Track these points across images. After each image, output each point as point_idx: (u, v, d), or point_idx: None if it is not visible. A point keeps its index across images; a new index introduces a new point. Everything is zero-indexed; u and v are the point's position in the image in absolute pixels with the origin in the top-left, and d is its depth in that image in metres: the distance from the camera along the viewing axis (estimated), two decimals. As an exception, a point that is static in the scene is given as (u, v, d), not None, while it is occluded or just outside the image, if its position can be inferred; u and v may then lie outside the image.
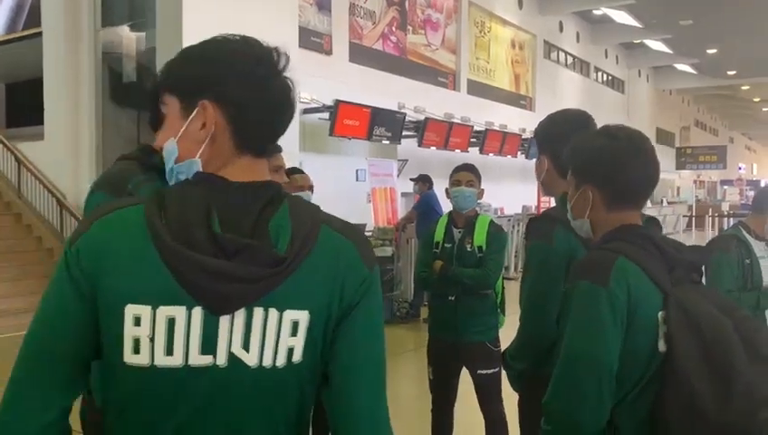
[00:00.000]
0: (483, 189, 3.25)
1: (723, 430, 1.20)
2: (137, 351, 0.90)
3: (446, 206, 8.90)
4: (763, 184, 33.06)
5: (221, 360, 0.91)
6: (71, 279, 0.92)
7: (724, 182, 32.70)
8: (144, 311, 0.89)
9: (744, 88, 29.00)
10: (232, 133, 0.98)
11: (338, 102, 9.28)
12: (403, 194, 10.70)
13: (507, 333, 3.31)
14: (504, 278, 3.32)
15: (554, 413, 1.31)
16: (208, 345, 0.90)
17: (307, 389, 0.97)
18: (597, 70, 22.10)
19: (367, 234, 8.54)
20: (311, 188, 3.35)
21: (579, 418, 1.26)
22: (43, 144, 9.46)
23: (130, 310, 0.89)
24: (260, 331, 0.91)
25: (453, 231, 3.23)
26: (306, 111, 9.45)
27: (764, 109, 35.02)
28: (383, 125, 10.15)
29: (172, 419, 0.92)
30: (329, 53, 10.77)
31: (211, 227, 0.90)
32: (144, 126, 10.04)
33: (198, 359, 0.90)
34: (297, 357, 0.93)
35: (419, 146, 11.36)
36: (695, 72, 25.76)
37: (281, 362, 0.92)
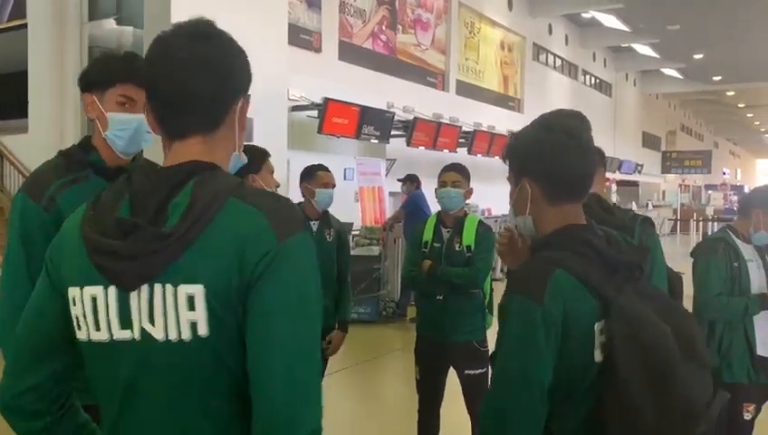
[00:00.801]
0: (471, 189, 3.24)
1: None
2: (79, 328, 1.02)
3: (435, 206, 8.89)
4: (746, 189, 33.48)
5: (137, 334, 0.98)
6: (47, 273, 1.07)
7: (708, 187, 33.02)
8: (76, 292, 1.01)
9: (729, 93, 29.32)
10: (157, 121, 1.06)
11: (327, 100, 9.24)
12: (391, 193, 10.69)
13: (495, 334, 3.31)
14: (492, 279, 3.31)
15: (489, 429, 1.26)
16: (125, 320, 0.98)
17: (230, 362, 0.96)
18: (585, 73, 22.23)
19: (354, 233, 8.51)
20: (333, 185, 3.36)
21: (511, 430, 1.23)
22: (27, 137, 9.33)
23: (70, 292, 1.02)
24: (161, 306, 0.96)
25: (442, 231, 3.22)
26: (295, 109, 9.40)
27: (749, 115, 35.44)
28: (372, 124, 10.12)
29: (118, 388, 1.01)
30: (318, 50, 10.73)
31: (116, 214, 0.99)
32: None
33: (120, 333, 0.99)
34: (203, 331, 0.95)
35: (408, 145, 11.35)
36: (681, 77, 26.00)
37: (186, 335, 0.95)
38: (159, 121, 1.05)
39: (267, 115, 8.12)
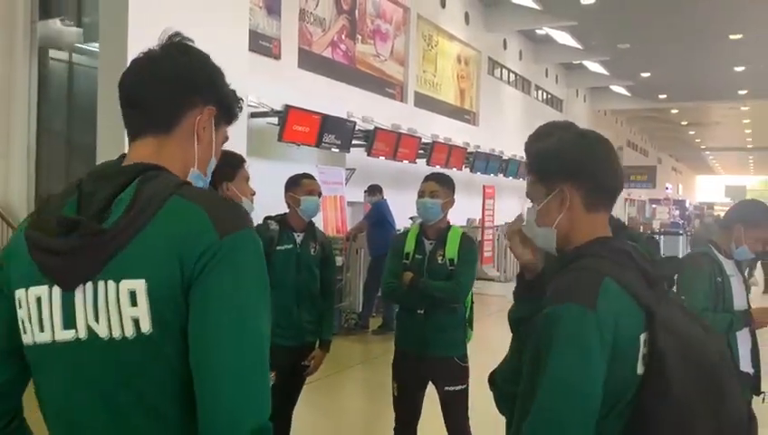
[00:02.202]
0: (452, 200, 3.17)
1: None
2: (24, 331, 1.01)
3: (398, 216, 8.79)
4: (687, 204, 34.69)
5: (81, 333, 0.97)
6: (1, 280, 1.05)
7: (652, 201, 34.07)
8: (22, 293, 1.00)
9: (673, 111, 30.40)
10: (125, 124, 1.11)
11: (288, 108, 9.08)
12: (350, 203, 10.58)
13: (475, 350, 3.25)
14: (473, 293, 3.25)
15: None
16: (69, 320, 0.97)
17: (174, 361, 0.95)
18: (538, 88, 22.66)
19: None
20: (319, 193, 3.28)
21: None
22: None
23: (16, 294, 1.01)
24: (104, 302, 0.95)
25: (424, 242, 3.14)
26: (254, 115, 9.20)
27: (691, 132, 36.84)
28: (333, 133, 10.01)
29: (57, 394, 0.99)
30: (278, 57, 10.56)
31: (60, 211, 0.99)
32: (79, 125, 9.56)
33: (62, 334, 0.97)
34: (146, 328, 0.94)
35: (369, 155, 11.28)
36: (629, 95, 26.81)
37: (129, 332, 0.94)
38: (125, 124, 1.09)
39: (227, 121, 7.91)
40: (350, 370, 6.41)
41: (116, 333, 0.95)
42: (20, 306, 1.00)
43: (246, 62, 8.87)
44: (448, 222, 3.21)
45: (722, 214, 18.63)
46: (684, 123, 33.72)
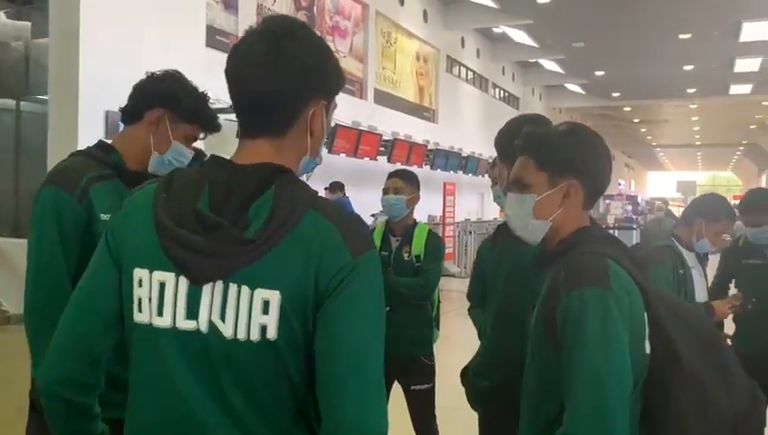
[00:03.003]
0: (417, 196, 3.15)
1: (735, 416, 1.20)
2: (140, 310, 1.02)
3: (360, 213, 8.85)
4: (639, 199, 35.61)
5: (203, 326, 0.99)
6: (108, 249, 1.07)
7: (606, 197, 34.87)
8: (144, 274, 1.02)
9: (626, 109, 31.17)
10: (236, 116, 1.08)
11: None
12: (310, 201, 10.48)
13: (438, 346, 3.23)
14: (439, 291, 3.23)
15: (592, 432, 1.15)
16: (192, 311, 1.00)
17: (292, 369, 0.99)
18: (495, 86, 22.90)
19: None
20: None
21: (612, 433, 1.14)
22: None
23: (136, 273, 1.02)
24: (234, 305, 0.98)
25: (390, 239, 3.11)
26: (212, 113, 9.02)
27: (642, 129, 37.85)
28: (292, 130, 9.90)
29: (167, 376, 1.00)
30: (234, 53, 10.39)
31: (196, 205, 1.00)
32: (24, 117, 9.21)
33: (184, 323, 1.00)
34: (272, 334, 0.97)
35: (329, 152, 11.19)
36: (583, 93, 27.36)
37: (255, 336, 0.97)
38: (237, 117, 1.08)
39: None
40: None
41: (241, 335, 0.98)
42: (140, 286, 1.02)
43: (203, 57, 8.69)
44: (414, 219, 3.19)
45: (673, 209, 19.18)
46: (636, 121, 34.62)
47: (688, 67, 21.64)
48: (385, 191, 3.13)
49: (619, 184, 39.91)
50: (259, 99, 1.04)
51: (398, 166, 13.36)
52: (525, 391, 1.32)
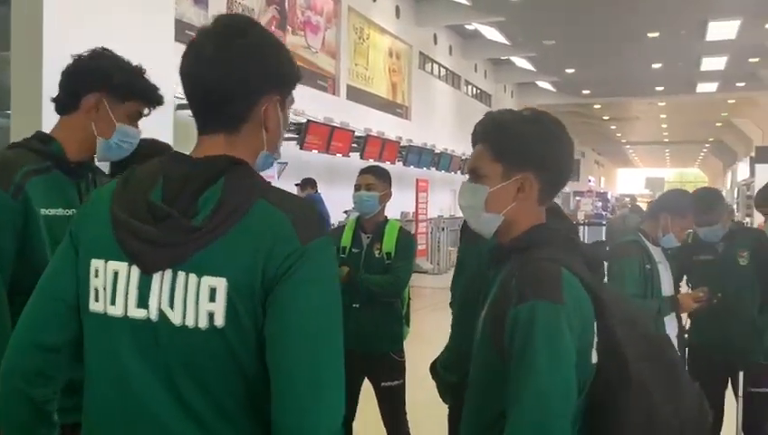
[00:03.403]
0: (389, 193, 3.13)
1: (682, 424, 1.17)
2: (96, 299, 1.05)
3: (332, 210, 8.68)
4: (609, 196, 36.12)
5: (153, 315, 1.01)
6: (71, 240, 1.10)
7: (576, 193, 35.28)
8: (100, 264, 1.05)
9: (596, 107, 31.56)
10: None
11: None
12: (282, 198, 10.40)
13: (410, 343, 3.22)
14: (410, 288, 3.22)
15: None
16: (143, 300, 1.02)
17: (243, 357, 0.99)
18: (467, 83, 23.00)
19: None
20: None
21: None
22: None
23: (93, 263, 1.05)
24: (182, 293, 1.00)
25: (361, 236, 3.09)
26: (180, 107, 8.85)
27: (612, 127, 38.38)
28: (263, 126, 9.80)
29: (119, 365, 1.02)
30: (206, 48, 10.26)
31: (149, 197, 1.03)
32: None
33: (135, 311, 1.02)
34: (219, 322, 0.98)
35: (301, 149, 11.12)
36: (554, 90, 27.64)
37: (203, 324, 0.99)
38: (192, 114, 1.11)
39: (151, 113, 7.58)
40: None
41: (189, 323, 0.99)
42: (96, 276, 1.04)
43: (171, 52, 8.54)
44: (386, 216, 3.17)
45: (642, 205, 19.49)
46: (606, 118, 35.09)
47: (657, 65, 22.00)
48: (357, 188, 3.11)
49: (589, 181, 40.43)
50: (210, 96, 1.06)
51: (371, 162, 13.38)
52: (470, 384, 1.30)
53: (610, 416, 1.16)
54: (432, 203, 13.66)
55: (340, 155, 12.05)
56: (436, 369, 1.90)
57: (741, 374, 3.15)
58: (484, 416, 1.25)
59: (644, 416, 1.14)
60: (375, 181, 3.11)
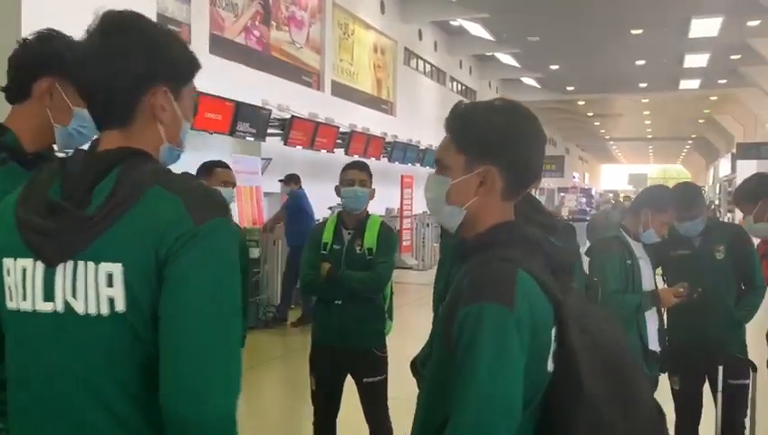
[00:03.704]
0: (374, 189, 3.11)
1: None
2: (11, 298, 1.08)
3: (316, 206, 8.64)
4: (593, 192, 36.40)
5: (59, 307, 1.04)
6: None
7: (560, 189, 35.49)
8: (11, 263, 1.07)
9: (580, 103, 31.74)
10: None
11: (198, 94, 8.73)
12: (266, 194, 10.34)
13: (394, 339, 3.21)
14: (393, 283, 3.20)
15: None
16: (49, 293, 1.04)
17: (146, 337, 1.01)
18: (452, 79, 23.01)
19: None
20: (234, 184, 3.11)
21: None
22: None
23: (5, 262, 1.08)
24: (83, 281, 1.02)
25: (342, 232, 3.06)
26: (163, 103, 8.81)
27: (596, 123, 38.63)
28: (247, 120, 9.72)
29: (33, 358, 1.05)
30: (187, 42, 10.10)
31: (46, 194, 1.05)
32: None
33: (42, 305, 1.05)
34: (120, 307, 1.01)
35: (285, 144, 11.06)
36: (539, 87, 27.74)
37: (104, 310, 1.01)
38: (89, 112, 1.14)
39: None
40: (268, 363, 6.27)
41: (92, 310, 1.01)
42: (8, 274, 1.07)
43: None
44: (367, 211, 3.15)
45: (623, 200, 19.57)
46: (590, 114, 35.29)
47: (640, 62, 22.16)
48: (349, 183, 3.04)
49: (574, 177, 40.69)
50: (96, 93, 1.10)
51: (356, 158, 13.31)
52: (425, 381, 1.26)
53: (558, 429, 1.12)
54: (417, 199, 13.65)
55: (325, 151, 12.01)
56: (416, 366, 1.89)
57: (720, 369, 3.16)
58: (433, 415, 1.20)
59: (591, 432, 1.09)
60: (366, 178, 3.09)
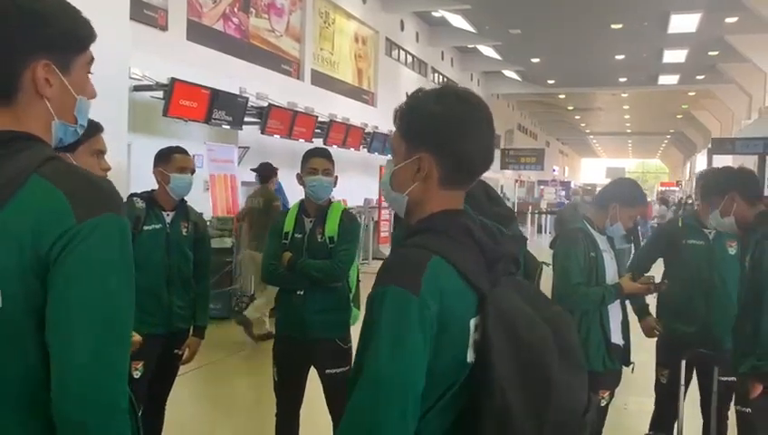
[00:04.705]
0: (336, 177, 3.06)
1: None
2: None
3: (293, 196, 8.57)
4: (573, 185, 36.65)
5: None
6: None
7: (540, 182, 35.68)
8: None
9: (560, 97, 31.90)
10: None
11: (174, 81, 8.60)
12: (244, 183, 10.23)
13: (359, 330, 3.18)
14: (359, 271, 3.17)
15: None
16: None
17: (27, 341, 0.97)
18: (434, 71, 22.98)
19: (204, 224, 7.98)
20: (192, 171, 3.00)
21: None
22: None
23: None
24: None
25: (304, 220, 3.01)
26: (137, 89, 8.65)
27: (576, 117, 38.88)
28: (223, 108, 9.60)
29: None
30: (164, 28, 9.97)
31: None
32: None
33: None
34: None
35: (262, 133, 10.95)
36: (520, 80, 27.80)
37: None
38: None
39: (104, 93, 7.27)
40: (239, 354, 6.22)
41: None
42: None
43: (127, 30, 8.29)
44: (329, 199, 3.09)
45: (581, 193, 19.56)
46: (570, 108, 35.49)
47: (620, 57, 22.29)
48: (312, 172, 2.97)
49: (554, 170, 40.91)
50: None
51: (335, 148, 13.25)
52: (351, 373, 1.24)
53: (473, 421, 1.10)
54: (396, 190, 13.61)
55: (303, 140, 11.91)
56: None
57: (716, 369, 3.15)
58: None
59: (500, 427, 1.08)
60: (330, 166, 3.02)
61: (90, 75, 1.12)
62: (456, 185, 1.22)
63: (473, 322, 1.12)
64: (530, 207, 23.22)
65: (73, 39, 1.07)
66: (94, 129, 2.16)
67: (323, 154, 3.04)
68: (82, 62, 1.09)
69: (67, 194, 0.97)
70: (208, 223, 8.05)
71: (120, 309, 0.99)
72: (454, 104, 1.20)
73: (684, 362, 3.17)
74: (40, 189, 0.97)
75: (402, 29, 19.59)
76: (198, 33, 10.85)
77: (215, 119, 9.47)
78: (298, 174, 3.01)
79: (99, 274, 0.97)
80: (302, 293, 2.93)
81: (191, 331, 3.05)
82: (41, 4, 1.03)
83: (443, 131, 1.19)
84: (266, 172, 7.31)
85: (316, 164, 2.98)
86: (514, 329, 1.09)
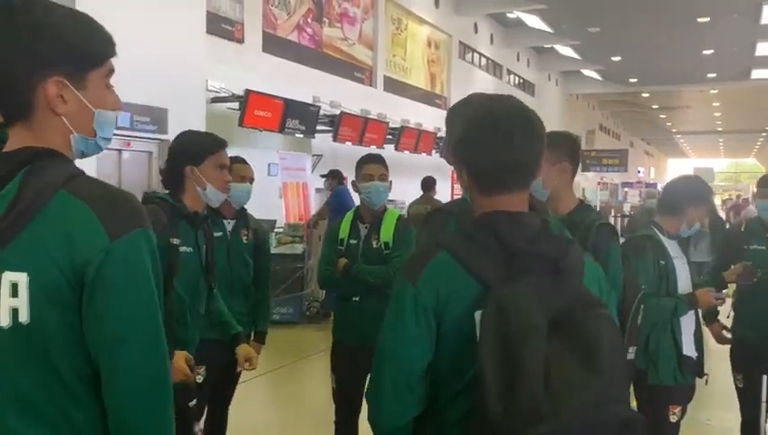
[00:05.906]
0: (391, 181, 3.05)
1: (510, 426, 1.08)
2: None
3: (358, 201, 8.64)
4: (659, 187, 35.11)
5: None
6: None
7: (624, 184, 34.38)
8: None
9: (644, 95, 30.63)
10: None
11: (248, 92, 8.87)
12: (317, 190, 10.42)
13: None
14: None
15: (369, 412, 1.31)
16: None
17: (55, 357, 0.98)
18: (509, 72, 22.61)
19: (278, 230, 8.18)
20: (251, 179, 3.08)
21: (377, 412, 1.27)
22: None
23: None
24: None
25: (359, 227, 3.01)
26: (214, 100, 8.98)
27: (662, 116, 37.21)
28: (297, 118, 9.82)
29: None
30: (240, 41, 10.32)
31: None
32: None
33: None
34: (23, 318, 0.97)
35: (334, 141, 11.11)
36: (600, 79, 26.92)
37: (5, 322, 0.97)
38: None
39: (183, 105, 7.66)
40: (311, 358, 6.30)
41: None
42: None
43: (203, 44, 8.63)
44: (384, 205, 3.08)
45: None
46: (655, 107, 34.00)
47: (708, 51, 21.15)
48: (368, 178, 2.98)
49: (639, 172, 39.36)
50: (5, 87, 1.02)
51: (406, 154, 13.25)
52: None
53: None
54: (469, 194, 13.47)
55: (375, 147, 11.98)
56: None
57: None
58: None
59: (484, 416, 1.11)
60: (386, 172, 3.03)
61: (110, 88, 1.10)
62: (492, 190, 1.27)
63: (477, 314, 1.18)
64: (612, 211, 22.38)
65: (87, 54, 1.05)
66: (219, 144, 2.30)
67: (378, 160, 3.04)
68: (100, 76, 1.08)
69: (97, 211, 0.99)
70: (281, 229, 8.27)
71: (158, 320, 1.03)
72: (474, 109, 1.29)
73: (765, 378, 2.99)
74: (69, 206, 0.99)
75: (476, 32, 19.40)
76: (274, 44, 11.15)
77: (288, 128, 9.69)
78: (353, 181, 3.02)
79: (135, 288, 1.00)
80: (357, 299, 2.93)
81: (252, 336, 3.10)
82: (50, 20, 1.01)
83: (464, 147, 1.29)
84: (429, 181, 8.03)
85: (371, 170, 2.99)
86: (504, 321, 1.12)
